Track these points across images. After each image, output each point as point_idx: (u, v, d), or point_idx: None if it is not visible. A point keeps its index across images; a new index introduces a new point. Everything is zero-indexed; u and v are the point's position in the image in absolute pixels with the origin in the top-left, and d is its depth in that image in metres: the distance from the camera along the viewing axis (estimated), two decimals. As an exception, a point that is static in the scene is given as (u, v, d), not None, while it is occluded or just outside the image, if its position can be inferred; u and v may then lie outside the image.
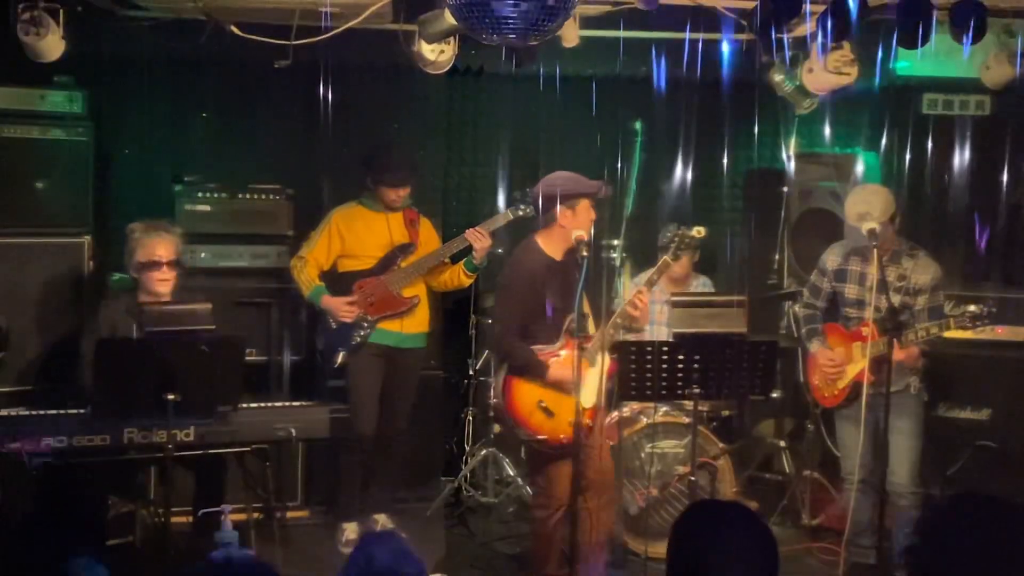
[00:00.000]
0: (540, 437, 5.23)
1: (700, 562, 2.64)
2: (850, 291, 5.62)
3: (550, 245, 5.33)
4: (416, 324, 6.19)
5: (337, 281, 6.10)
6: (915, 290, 5.45)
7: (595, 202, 5.30)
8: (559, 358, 5.23)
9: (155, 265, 5.44)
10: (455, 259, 6.19)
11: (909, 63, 6.50)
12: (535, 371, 5.23)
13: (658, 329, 6.42)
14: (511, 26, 2.89)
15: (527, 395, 5.24)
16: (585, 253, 5.00)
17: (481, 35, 3.05)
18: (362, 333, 6.03)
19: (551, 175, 5.36)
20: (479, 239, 5.95)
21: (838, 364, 5.59)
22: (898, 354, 5.14)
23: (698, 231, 5.31)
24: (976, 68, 6.14)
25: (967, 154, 7.14)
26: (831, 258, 5.72)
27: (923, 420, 5.61)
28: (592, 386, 5.18)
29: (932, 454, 5.95)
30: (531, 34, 2.96)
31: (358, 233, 6.10)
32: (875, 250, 5.24)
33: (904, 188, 7.10)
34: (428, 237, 6.27)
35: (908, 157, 7.00)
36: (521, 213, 6.00)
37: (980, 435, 6.44)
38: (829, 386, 5.67)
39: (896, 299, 5.25)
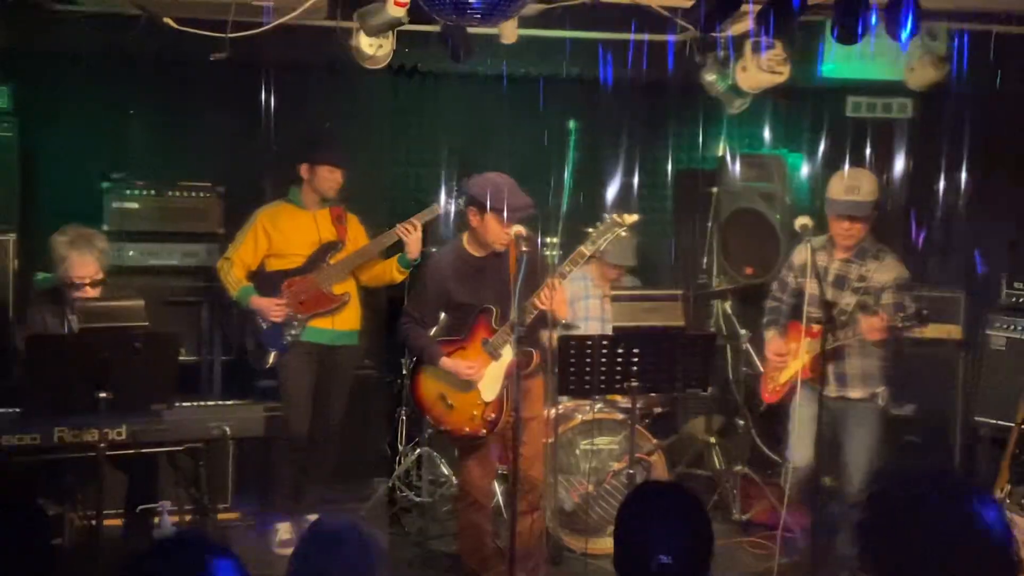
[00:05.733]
0: (443, 428, 5.44)
1: (642, 541, 2.75)
2: (811, 287, 5.38)
3: (472, 243, 5.32)
4: (348, 322, 6.14)
5: (266, 280, 6.02)
6: (874, 291, 5.31)
7: (517, 216, 5.06)
8: (464, 351, 5.28)
9: (77, 286, 5.32)
10: (388, 256, 6.16)
11: (835, 65, 6.61)
12: (430, 356, 5.32)
13: (592, 325, 6.42)
14: (473, 7, 2.90)
15: (430, 386, 5.39)
16: (525, 248, 4.91)
17: (443, 17, 3.04)
18: (293, 332, 5.97)
19: (486, 175, 5.26)
20: (408, 231, 5.93)
21: (783, 355, 5.56)
22: (869, 330, 5.12)
23: (620, 217, 5.04)
24: (900, 71, 6.27)
25: (895, 157, 7.28)
26: (799, 254, 5.59)
27: (882, 430, 5.48)
28: (493, 380, 5.22)
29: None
30: (493, 16, 2.97)
31: (284, 232, 6.04)
32: (808, 244, 5.22)
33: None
34: (356, 233, 6.22)
35: (834, 158, 7.10)
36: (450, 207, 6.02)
37: (905, 431, 6.58)
38: (772, 379, 5.65)
39: (852, 298, 5.25)
